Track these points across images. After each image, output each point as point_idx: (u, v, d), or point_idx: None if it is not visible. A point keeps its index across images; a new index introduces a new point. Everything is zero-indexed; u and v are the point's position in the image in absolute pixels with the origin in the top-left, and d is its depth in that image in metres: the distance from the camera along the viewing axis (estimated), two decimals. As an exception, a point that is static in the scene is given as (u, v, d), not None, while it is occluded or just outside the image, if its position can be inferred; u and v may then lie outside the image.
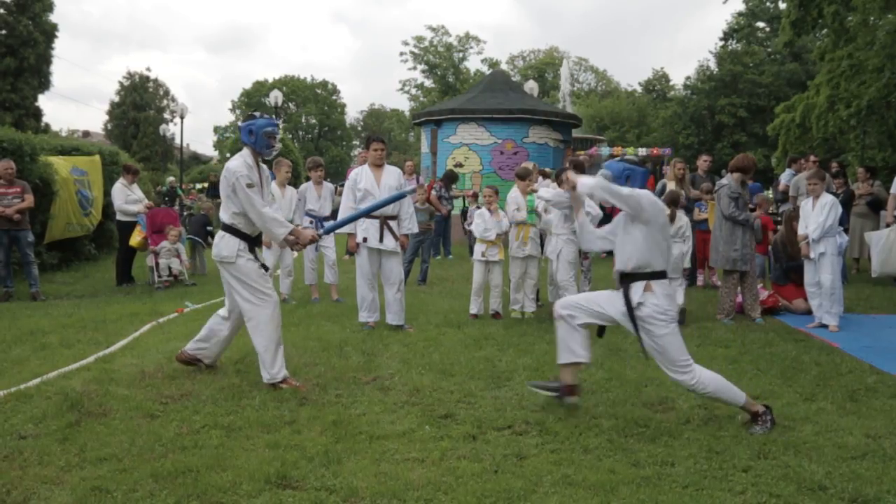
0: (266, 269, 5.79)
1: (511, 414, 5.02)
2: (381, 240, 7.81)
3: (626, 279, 4.83)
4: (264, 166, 5.93)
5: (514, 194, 8.96)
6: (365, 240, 7.82)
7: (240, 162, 5.67)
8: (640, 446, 4.43)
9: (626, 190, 4.81)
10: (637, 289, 4.77)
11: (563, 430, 4.68)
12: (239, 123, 5.86)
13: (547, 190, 8.12)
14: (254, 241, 5.79)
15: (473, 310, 8.77)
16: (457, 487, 3.80)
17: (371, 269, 7.94)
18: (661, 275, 4.79)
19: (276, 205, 9.61)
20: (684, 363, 4.74)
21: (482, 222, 8.77)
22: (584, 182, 4.88)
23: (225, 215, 5.72)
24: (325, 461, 4.14)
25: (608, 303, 4.97)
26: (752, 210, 9.02)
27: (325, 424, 4.77)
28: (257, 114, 5.84)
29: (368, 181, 7.89)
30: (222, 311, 6.01)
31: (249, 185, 5.57)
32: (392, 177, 7.98)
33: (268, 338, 5.61)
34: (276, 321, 5.68)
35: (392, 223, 7.87)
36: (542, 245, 8.94)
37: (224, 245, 5.68)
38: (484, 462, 4.17)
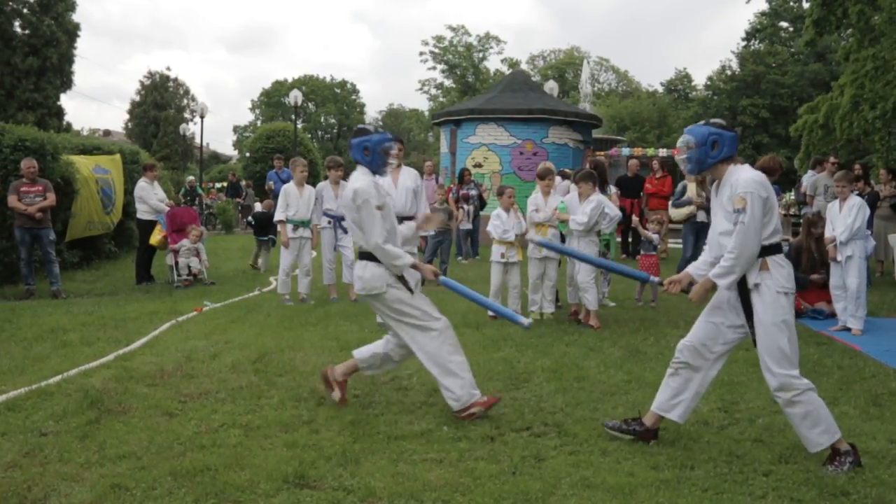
0: (411, 291, 5.14)
1: (529, 415, 5.00)
2: None
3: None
4: (382, 182, 5.40)
5: (534, 196, 8.93)
6: None
7: (367, 182, 5.06)
8: (659, 449, 4.40)
9: (742, 232, 4.17)
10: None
11: (582, 432, 4.65)
12: (351, 140, 5.29)
13: (581, 216, 8.16)
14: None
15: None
16: (474, 489, 3.79)
17: None
18: None
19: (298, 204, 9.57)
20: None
21: (500, 223, 8.73)
22: (721, 283, 4.27)
23: (362, 241, 5.12)
24: (342, 461, 4.14)
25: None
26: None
27: (344, 424, 4.77)
28: (370, 127, 5.30)
29: (386, 181, 7.88)
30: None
31: (379, 208, 5.00)
32: (409, 177, 7.97)
33: (441, 362, 5.02)
34: (447, 343, 5.08)
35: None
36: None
37: (368, 275, 5.07)
38: (502, 463, 4.15)
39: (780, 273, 4.25)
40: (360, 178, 5.11)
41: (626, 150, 27.18)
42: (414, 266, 5.12)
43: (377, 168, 5.21)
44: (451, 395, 4.97)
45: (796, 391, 4.17)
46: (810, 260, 9.43)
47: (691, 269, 4.56)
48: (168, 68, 64.26)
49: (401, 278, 5.08)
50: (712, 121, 4.50)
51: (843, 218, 8.20)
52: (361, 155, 5.17)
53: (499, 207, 9.01)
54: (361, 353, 5.36)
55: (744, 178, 4.25)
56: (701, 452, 4.34)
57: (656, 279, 5.26)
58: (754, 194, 4.17)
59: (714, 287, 4.33)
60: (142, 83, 52.88)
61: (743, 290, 4.30)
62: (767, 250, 4.25)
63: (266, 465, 4.06)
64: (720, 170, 4.42)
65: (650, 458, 4.25)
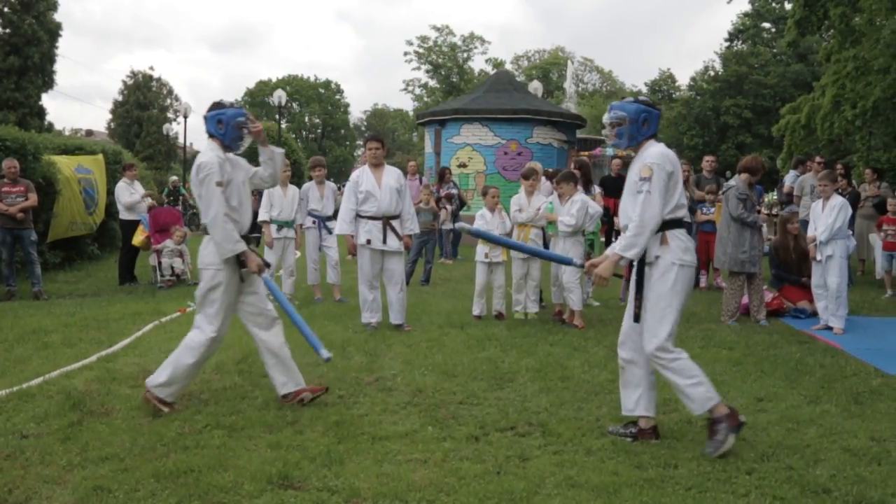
0: (242, 279, 5.18)
1: (514, 415, 5.01)
2: (384, 241, 7.82)
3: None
4: (236, 159, 5.30)
5: (517, 196, 8.96)
6: (369, 241, 7.82)
7: (211, 157, 5.06)
8: (643, 448, 4.42)
9: (646, 201, 4.31)
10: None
11: (566, 432, 4.66)
12: (205, 114, 5.24)
13: (569, 218, 8.18)
14: (245, 241, 5.20)
15: (476, 311, 8.75)
16: (459, 489, 3.79)
17: (373, 270, 7.93)
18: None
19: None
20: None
21: (485, 223, 8.74)
22: (627, 255, 4.37)
23: (207, 218, 5.10)
24: (327, 462, 4.13)
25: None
26: (759, 212, 9.00)
27: (328, 425, 4.76)
28: (226, 101, 5.27)
29: (369, 182, 7.88)
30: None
31: (219, 184, 5.01)
32: (392, 177, 7.96)
33: (194, 361, 5.07)
34: (210, 352, 5.17)
35: (395, 223, 7.87)
36: (545, 245, 8.92)
37: (208, 251, 5.11)
38: (486, 463, 4.15)
39: (677, 246, 4.41)
40: (207, 152, 5.13)
41: (609, 151, 27.26)
42: (243, 254, 5.08)
43: (230, 142, 5.18)
44: (162, 390, 5.03)
45: (672, 356, 4.37)
46: (789, 257, 9.49)
47: (609, 249, 4.69)
48: (151, 68, 63.60)
49: (241, 267, 5.10)
50: (640, 98, 4.64)
51: (825, 218, 8.26)
52: (215, 128, 5.17)
53: (483, 207, 9.02)
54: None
55: (652, 151, 4.44)
56: (685, 451, 4.36)
57: (578, 262, 5.31)
58: (660, 166, 4.33)
59: (620, 261, 4.43)
60: (124, 83, 52.48)
61: (641, 267, 4.46)
62: (669, 224, 4.41)
63: (250, 465, 4.05)
64: (643, 145, 4.57)
65: (634, 458, 4.26)
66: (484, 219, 8.79)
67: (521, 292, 8.86)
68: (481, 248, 8.80)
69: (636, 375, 4.60)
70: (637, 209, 4.34)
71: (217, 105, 5.25)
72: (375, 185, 7.86)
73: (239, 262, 5.10)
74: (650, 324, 4.41)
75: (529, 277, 8.81)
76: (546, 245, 8.88)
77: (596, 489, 3.80)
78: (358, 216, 7.89)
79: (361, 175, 7.98)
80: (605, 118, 4.66)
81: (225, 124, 5.15)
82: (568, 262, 5.84)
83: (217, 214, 4.99)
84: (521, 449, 4.39)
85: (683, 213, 4.51)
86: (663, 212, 4.36)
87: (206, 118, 5.23)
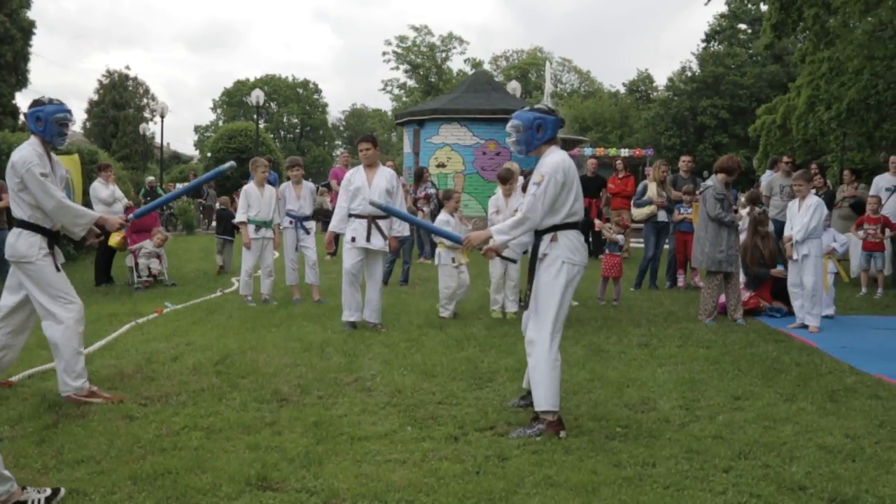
0: (58, 269, 5.29)
1: (493, 415, 5.01)
2: (368, 239, 7.84)
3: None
4: (57, 159, 5.42)
5: (495, 197, 9.00)
6: (354, 239, 7.84)
7: (28, 151, 5.13)
8: (621, 447, 4.44)
9: (531, 203, 4.68)
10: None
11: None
12: (25, 111, 5.35)
13: None
14: (54, 238, 5.30)
15: (446, 315, 8.71)
16: (438, 489, 3.79)
17: (355, 268, 7.94)
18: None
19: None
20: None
21: (450, 229, 8.73)
22: (498, 238, 4.79)
23: (20, 211, 5.18)
24: (305, 462, 4.12)
25: None
26: (736, 212, 9.06)
27: (307, 426, 4.74)
28: (46, 98, 5.30)
29: (361, 180, 7.95)
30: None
31: (43, 175, 5.07)
32: (384, 177, 7.99)
33: (73, 346, 5.22)
34: (80, 328, 5.31)
35: (381, 223, 7.90)
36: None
37: (22, 243, 5.16)
38: (466, 463, 4.16)
39: (566, 245, 4.73)
40: (23, 148, 5.19)
41: (588, 150, 27.40)
42: (101, 220, 5.36)
43: (51, 138, 5.23)
44: (72, 379, 5.22)
45: (550, 351, 4.70)
46: (755, 257, 9.54)
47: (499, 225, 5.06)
48: (127, 67, 63.20)
49: (52, 253, 5.22)
50: (536, 106, 4.98)
51: (801, 217, 8.33)
52: (35, 125, 5.21)
53: (443, 212, 9.03)
54: None
55: (549, 161, 4.74)
56: (662, 449, 4.39)
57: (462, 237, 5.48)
58: (553, 176, 4.64)
59: (489, 239, 4.84)
60: (100, 82, 52.05)
61: (533, 263, 4.82)
62: (563, 227, 4.75)
63: (228, 467, 4.03)
64: (542, 150, 4.87)
65: (612, 456, 4.28)
66: (449, 224, 8.77)
67: (499, 292, 8.88)
68: (447, 253, 8.80)
69: None
70: (524, 206, 4.74)
71: (36, 102, 5.30)
72: (366, 183, 7.91)
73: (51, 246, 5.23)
74: (539, 313, 4.76)
75: (508, 278, 8.83)
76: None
77: (574, 488, 3.81)
78: (349, 214, 7.96)
79: (355, 174, 8.06)
80: (507, 126, 4.95)
81: (44, 121, 5.19)
82: (458, 241, 5.98)
83: (59, 199, 5.13)
84: (500, 448, 4.40)
85: (577, 219, 4.82)
86: (544, 213, 4.68)
87: (26, 115, 5.33)
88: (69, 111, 5.34)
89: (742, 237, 9.30)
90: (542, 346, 4.71)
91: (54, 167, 5.29)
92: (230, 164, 6.21)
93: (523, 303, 9.33)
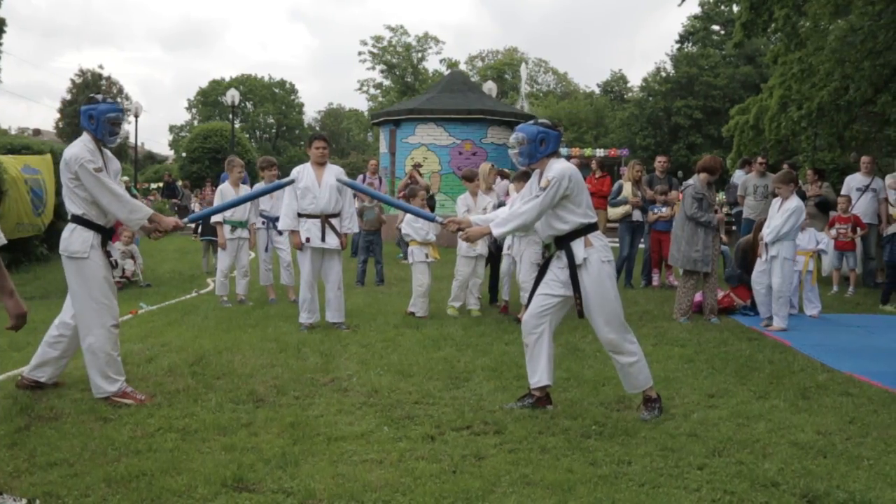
0: (115, 265, 5.36)
1: (469, 414, 5.02)
2: (323, 238, 7.79)
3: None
4: (111, 156, 5.45)
5: (464, 196, 9.05)
6: (308, 240, 7.78)
7: (80, 147, 5.19)
8: (597, 445, 4.46)
9: (534, 204, 4.90)
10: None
11: (521, 431, 4.69)
12: (80, 107, 5.36)
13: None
14: (107, 235, 5.40)
15: (422, 312, 8.73)
16: (415, 488, 3.79)
17: (313, 268, 7.90)
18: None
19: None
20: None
21: (420, 226, 8.76)
22: (497, 232, 5.06)
23: (74, 207, 5.24)
24: (282, 463, 4.10)
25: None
26: (717, 212, 9.08)
27: (283, 426, 4.72)
28: (99, 97, 5.39)
29: (309, 179, 7.84)
30: (66, 317, 5.47)
31: (97, 170, 5.14)
32: (332, 175, 7.91)
33: (107, 349, 5.20)
34: (116, 331, 5.30)
35: (334, 221, 7.85)
36: (498, 247, 8.99)
37: (76, 238, 5.24)
38: (442, 463, 4.16)
39: (600, 246, 4.99)
40: (75, 144, 5.25)
41: (564, 151, 27.49)
42: (153, 218, 5.33)
43: (102, 136, 5.27)
44: (102, 381, 5.21)
45: (624, 343, 4.96)
46: (754, 259, 9.58)
47: (473, 218, 5.46)
48: (100, 66, 62.60)
49: (106, 252, 5.30)
50: (540, 120, 5.17)
51: (776, 218, 8.35)
52: (87, 122, 5.27)
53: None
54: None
55: (555, 168, 4.94)
56: (637, 447, 4.42)
57: (440, 219, 5.64)
58: (559, 181, 4.85)
59: (488, 234, 5.15)
60: (73, 81, 51.66)
61: (571, 267, 4.95)
62: (588, 228, 4.99)
63: (204, 469, 4.00)
64: (543, 163, 5.07)
65: (588, 454, 4.31)
66: (418, 221, 8.76)
67: (463, 290, 8.94)
68: (420, 250, 8.82)
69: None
70: (527, 206, 4.94)
71: (91, 100, 5.35)
72: (315, 182, 7.82)
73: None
74: (604, 315, 4.95)
75: (475, 275, 8.90)
76: (499, 247, 8.94)
77: (551, 486, 3.83)
78: (298, 214, 7.86)
79: (302, 171, 7.92)
80: (510, 139, 5.15)
81: (96, 119, 5.24)
82: (431, 219, 6.10)
83: (114, 193, 5.17)
84: (477, 448, 4.40)
85: (594, 219, 5.08)
86: (540, 216, 4.94)
87: (80, 112, 5.35)
88: (122, 110, 5.45)
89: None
90: (627, 341, 4.97)
91: (107, 163, 5.33)
92: (290, 179, 6.47)
93: (499, 301, 9.37)
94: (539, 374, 5.12)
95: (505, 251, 8.79)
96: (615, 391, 5.57)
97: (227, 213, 9.56)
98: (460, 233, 5.22)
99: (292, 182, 7.46)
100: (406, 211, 7.75)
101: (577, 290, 4.94)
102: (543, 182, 4.89)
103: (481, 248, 8.84)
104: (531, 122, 5.15)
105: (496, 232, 5.04)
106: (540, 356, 5.11)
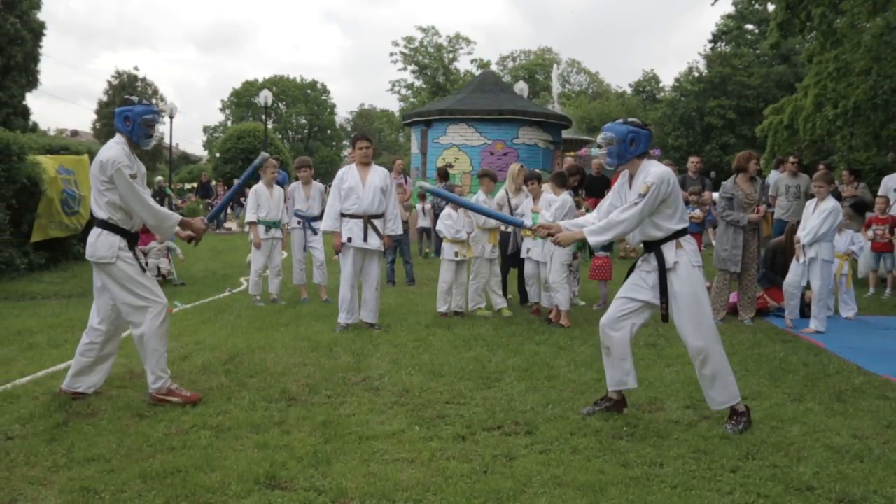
0: (144, 269, 5.30)
1: (500, 415, 5.02)
2: (365, 239, 7.81)
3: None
4: (137, 160, 5.36)
5: (477, 195, 9.08)
6: (350, 239, 7.81)
7: (118, 150, 5.12)
8: (629, 447, 4.44)
9: (634, 211, 4.75)
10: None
11: (553, 431, 4.68)
12: (116, 109, 5.36)
13: (548, 214, 8.16)
14: (133, 239, 5.31)
15: (443, 308, 8.75)
16: (446, 488, 3.80)
17: (354, 269, 7.91)
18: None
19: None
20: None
21: (452, 223, 8.79)
22: (593, 240, 4.90)
23: (101, 211, 5.15)
24: (314, 462, 4.14)
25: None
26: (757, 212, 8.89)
27: (315, 425, 4.76)
28: (135, 98, 5.34)
29: (354, 179, 7.88)
30: (94, 323, 5.39)
31: (132, 176, 5.09)
32: (378, 176, 7.95)
33: (153, 346, 5.19)
34: (165, 327, 5.27)
35: (377, 222, 7.87)
36: (518, 248, 9.02)
37: (102, 243, 5.14)
38: (473, 463, 4.17)
39: (691, 250, 4.88)
40: (112, 147, 5.19)
41: (595, 151, 27.31)
42: (183, 223, 5.37)
43: (137, 139, 5.25)
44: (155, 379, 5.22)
45: (714, 354, 4.78)
46: (785, 262, 9.48)
47: (564, 223, 5.23)
48: (136, 68, 63.53)
49: (133, 250, 5.23)
50: (630, 119, 5.01)
51: (813, 220, 8.22)
52: (123, 124, 5.24)
53: (448, 207, 9.06)
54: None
55: (655, 171, 4.80)
56: (669, 450, 4.39)
57: (528, 223, 5.53)
58: (659, 187, 4.71)
59: (582, 239, 4.96)
60: (109, 83, 52.31)
61: (661, 270, 4.86)
62: (679, 233, 4.87)
63: (237, 466, 4.05)
64: (635, 164, 4.95)
65: (620, 456, 4.29)
66: (451, 218, 8.80)
67: (481, 292, 8.99)
68: (450, 247, 8.85)
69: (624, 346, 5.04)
70: (626, 213, 4.77)
71: (126, 101, 5.32)
72: (360, 182, 7.85)
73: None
74: (693, 322, 4.81)
75: (493, 274, 8.94)
76: (518, 248, 8.96)
77: (582, 488, 3.82)
78: (341, 214, 7.89)
79: (347, 172, 7.97)
80: (599, 139, 5.02)
81: (132, 121, 5.23)
82: (519, 224, 6.06)
83: (147, 202, 5.17)
84: (508, 448, 4.41)
85: (686, 224, 4.96)
86: (641, 222, 4.80)
87: (115, 113, 5.34)
88: (158, 112, 5.43)
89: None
90: (716, 349, 4.80)
91: (139, 169, 5.30)
92: (262, 155, 6.37)
93: (530, 304, 9.35)
94: (619, 377, 5.05)
95: (524, 254, 8.77)
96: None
97: (262, 214, 9.66)
98: (550, 238, 5.04)
99: (261, 164, 7.05)
100: (492, 217, 7.78)
101: (664, 293, 4.86)
102: (643, 188, 4.73)
103: (489, 251, 8.90)
104: (620, 120, 5.03)
105: (593, 240, 4.89)
106: (623, 359, 5.03)
